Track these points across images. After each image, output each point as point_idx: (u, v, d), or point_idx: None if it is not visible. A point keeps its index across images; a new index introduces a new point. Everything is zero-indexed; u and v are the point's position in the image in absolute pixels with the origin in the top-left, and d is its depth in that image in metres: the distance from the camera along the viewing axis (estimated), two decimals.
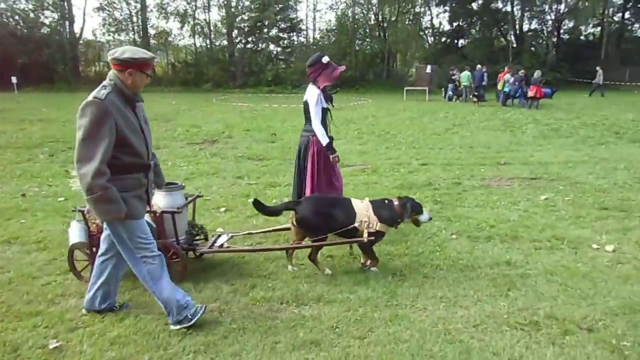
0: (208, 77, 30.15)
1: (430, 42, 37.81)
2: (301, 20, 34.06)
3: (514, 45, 33.42)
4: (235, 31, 31.44)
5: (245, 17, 31.20)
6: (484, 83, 20.72)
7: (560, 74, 30.02)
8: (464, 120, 13.89)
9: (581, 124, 13.00)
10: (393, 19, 33.44)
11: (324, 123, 4.13)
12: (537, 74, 17.76)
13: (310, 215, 3.43)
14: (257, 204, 3.60)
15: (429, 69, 27.11)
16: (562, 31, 35.67)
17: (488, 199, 5.54)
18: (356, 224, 3.39)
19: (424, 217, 3.63)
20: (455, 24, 36.96)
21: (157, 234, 3.21)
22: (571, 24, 35.22)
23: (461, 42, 37.04)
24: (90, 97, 2.38)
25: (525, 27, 35.85)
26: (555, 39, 35.33)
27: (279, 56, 33.82)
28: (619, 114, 15.36)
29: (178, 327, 2.68)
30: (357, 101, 22.44)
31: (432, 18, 37.80)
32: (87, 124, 2.33)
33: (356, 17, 33.18)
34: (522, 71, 18.47)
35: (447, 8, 36.72)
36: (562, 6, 34.23)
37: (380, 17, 33.57)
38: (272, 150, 8.78)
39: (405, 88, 23.53)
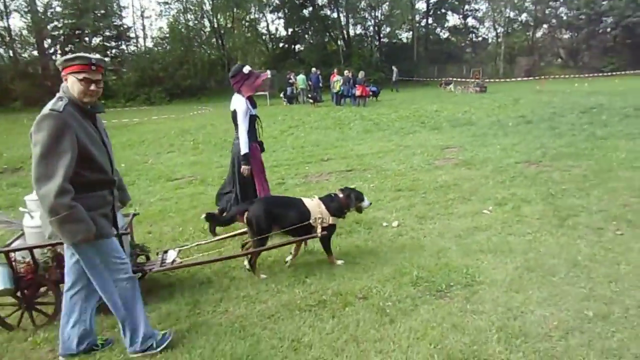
0: (16, 94, 25.84)
1: (269, 47, 39.01)
2: (129, 28, 31.78)
3: (344, 48, 36.57)
4: (49, 40, 27.69)
5: (59, 25, 27.70)
6: (320, 85, 22.29)
7: (384, 74, 33.89)
8: (299, 122, 14.69)
9: (398, 117, 14.90)
10: (229, 25, 33.52)
11: (253, 130, 4.32)
12: (361, 74, 19.76)
13: (261, 215, 3.48)
14: (210, 217, 3.69)
15: (269, 73, 27.92)
16: (382, 35, 40.34)
17: (305, 195, 5.97)
18: (311, 221, 3.53)
19: (365, 203, 3.88)
20: (290, 30, 38.80)
21: None
22: (388, 29, 40.06)
23: (298, 47, 39.08)
24: (46, 110, 2.18)
25: (352, 32, 39.61)
26: (377, 43, 39.78)
27: (107, 67, 30.91)
28: (427, 106, 18.04)
29: (139, 355, 2.58)
30: (198, 110, 21.88)
31: (268, 24, 39.09)
32: (46, 138, 2.14)
33: (189, 24, 32.35)
34: (346, 72, 20.31)
35: (281, 15, 38.38)
36: (380, 13, 38.75)
37: (215, 24, 33.32)
38: None
39: None
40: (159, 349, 2.59)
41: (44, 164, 2.15)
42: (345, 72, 20.31)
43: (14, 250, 2.96)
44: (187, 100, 26.58)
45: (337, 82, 19.81)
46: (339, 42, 37.70)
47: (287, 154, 9.15)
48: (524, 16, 46.44)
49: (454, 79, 29.14)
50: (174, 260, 3.34)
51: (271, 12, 37.47)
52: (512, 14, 45.48)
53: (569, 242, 3.97)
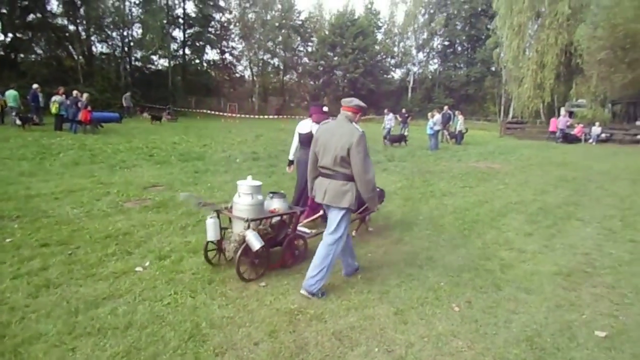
0: None
1: None
2: None
3: (84, 66, 32.16)
4: None
5: None
6: (41, 105, 18.42)
7: (135, 100, 31.28)
8: None
9: (126, 148, 13.31)
10: None
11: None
12: (85, 97, 17.21)
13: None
14: None
15: None
16: (133, 59, 37.46)
17: None
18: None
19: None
20: (11, 36, 31.67)
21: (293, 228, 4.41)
22: (140, 53, 37.55)
23: (22, 56, 32.14)
24: (361, 131, 3.60)
25: (96, 50, 35.42)
26: (128, 66, 36.64)
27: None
28: (168, 137, 17.05)
29: (308, 294, 3.66)
30: None
31: None
32: (364, 148, 3.58)
33: None
34: (75, 92, 17.48)
35: None
36: (129, 34, 35.96)
37: None
38: None
39: None
40: (320, 298, 3.66)
41: (366, 162, 3.58)
42: (75, 92, 17.45)
43: (260, 220, 4.10)
44: None
45: (54, 103, 16.75)
46: (79, 59, 32.83)
47: None
48: (276, 60, 51.49)
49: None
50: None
51: None
52: (265, 57, 49.75)
53: (205, 302, 3.55)
